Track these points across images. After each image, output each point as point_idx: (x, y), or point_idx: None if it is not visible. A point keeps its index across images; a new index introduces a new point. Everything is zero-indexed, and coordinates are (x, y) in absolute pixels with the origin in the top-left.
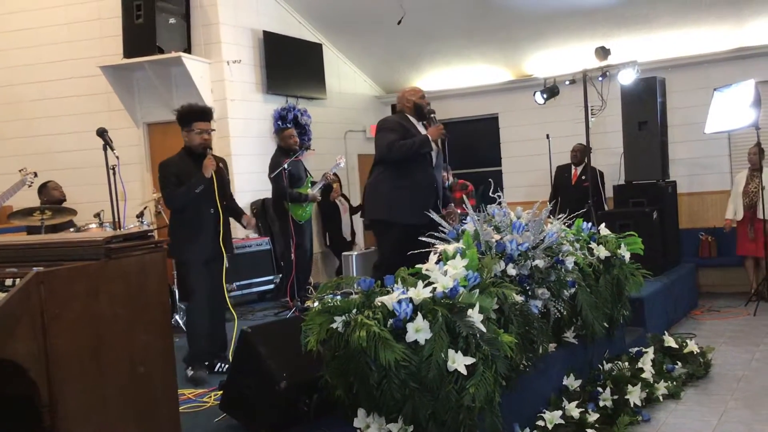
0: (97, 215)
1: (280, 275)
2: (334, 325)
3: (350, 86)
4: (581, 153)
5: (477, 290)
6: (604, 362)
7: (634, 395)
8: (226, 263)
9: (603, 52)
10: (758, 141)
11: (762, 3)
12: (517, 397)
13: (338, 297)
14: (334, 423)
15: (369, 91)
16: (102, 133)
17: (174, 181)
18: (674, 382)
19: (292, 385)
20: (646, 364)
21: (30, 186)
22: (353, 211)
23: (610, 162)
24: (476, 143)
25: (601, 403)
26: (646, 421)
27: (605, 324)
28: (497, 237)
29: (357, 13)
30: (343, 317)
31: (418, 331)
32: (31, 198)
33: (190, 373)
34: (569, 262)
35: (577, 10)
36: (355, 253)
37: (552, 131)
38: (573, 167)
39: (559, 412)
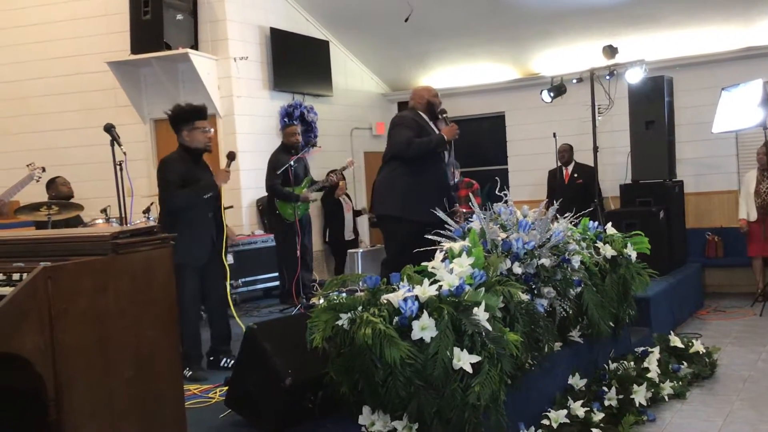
0: (104, 211)
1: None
2: (340, 323)
3: (357, 84)
4: (568, 153)
5: (483, 288)
6: (610, 362)
7: (640, 395)
8: (231, 260)
9: (610, 51)
10: (766, 141)
11: None
12: (522, 396)
13: (344, 294)
14: (339, 420)
15: (375, 88)
16: (110, 128)
17: (177, 181)
18: (680, 382)
19: (297, 381)
20: (652, 363)
21: (38, 181)
22: (355, 213)
23: (616, 161)
24: (482, 141)
25: (607, 403)
26: (651, 421)
27: (611, 323)
28: (503, 235)
29: (364, 10)
30: (349, 314)
31: (424, 329)
32: (38, 193)
33: (188, 374)
34: (575, 261)
35: (584, 8)
36: (361, 250)
37: (559, 130)
38: (563, 168)
39: (564, 411)
